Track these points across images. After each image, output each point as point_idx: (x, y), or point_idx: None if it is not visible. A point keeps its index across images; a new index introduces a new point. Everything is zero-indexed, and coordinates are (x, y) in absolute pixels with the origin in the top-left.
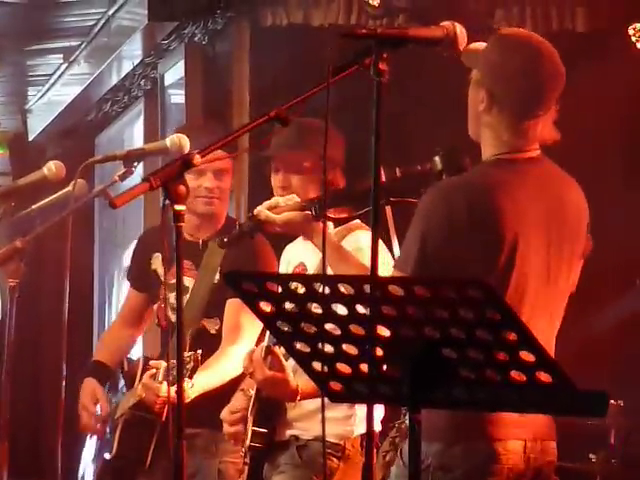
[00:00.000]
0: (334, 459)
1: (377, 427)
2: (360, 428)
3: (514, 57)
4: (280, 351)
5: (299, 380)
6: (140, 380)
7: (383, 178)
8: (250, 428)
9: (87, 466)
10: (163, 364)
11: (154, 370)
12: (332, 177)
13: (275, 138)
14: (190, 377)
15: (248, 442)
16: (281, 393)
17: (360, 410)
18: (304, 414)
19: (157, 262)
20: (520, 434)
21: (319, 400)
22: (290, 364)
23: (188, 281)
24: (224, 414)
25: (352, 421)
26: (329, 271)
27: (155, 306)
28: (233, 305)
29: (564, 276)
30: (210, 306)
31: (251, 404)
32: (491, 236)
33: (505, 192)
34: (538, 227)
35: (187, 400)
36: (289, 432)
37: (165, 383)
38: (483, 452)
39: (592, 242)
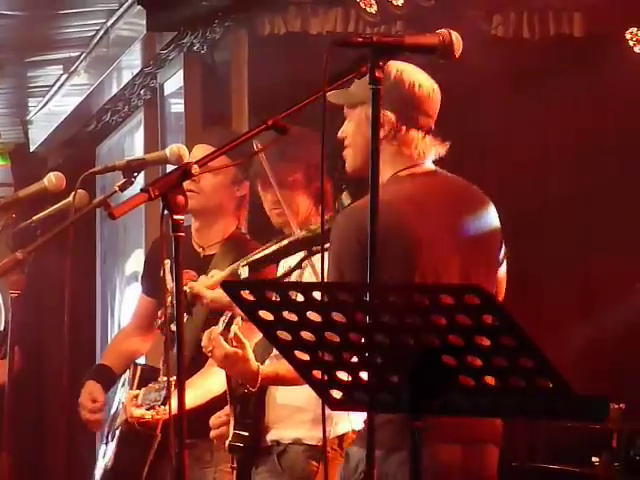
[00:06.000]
0: (314, 462)
1: (358, 426)
2: (338, 429)
3: (403, 78)
4: (239, 329)
5: (268, 366)
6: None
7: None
8: (231, 429)
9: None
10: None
11: (136, 393)
12: (318, 187)
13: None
14: (164, 404)
15: (228, 442)
16: (241, 373)
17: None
18: (282, 416)
19: (166, 269)
20: (457, 437)
21: (296, 401)
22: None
23: None
24: (211, 419)
25: (329, 422)
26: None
27: (160, 312)
28: None
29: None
30: (210, 320)
31: (230, 405)
32: (400, 249)
33: (409, 205)
34: (446, 235)
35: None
36: (269, 437)
37: (143, 408)
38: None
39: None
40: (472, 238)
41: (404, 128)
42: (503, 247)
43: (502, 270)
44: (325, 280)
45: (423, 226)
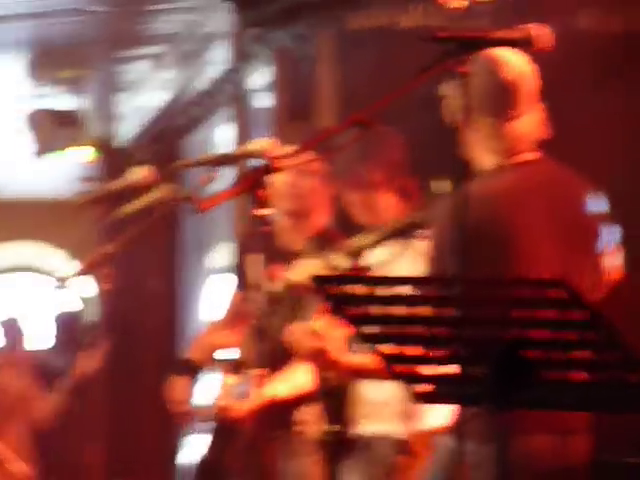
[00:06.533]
0: (401, 456)
1: (444, 421)
2: (427, 423)
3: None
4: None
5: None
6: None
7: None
8: (321, 424)
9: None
10: (232, 379)
11: (225, 385)
12: (404, 183)
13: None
14: (251, 396)
15: (318, 437)
16: (324, 366)
17: (426, 404)
18: (369, 411)
19: (252, 263)
20: (548, 428)
21: (383, 395)
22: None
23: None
24: (298, 414)
25: (418, 416)
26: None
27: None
28: None
29: (584, 272)
30: (295, 313)
31: (319, 400)
32: (498, 244)
33: (508, 199)
34: (546, 230)
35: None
36: (357, 431)
37: (232, 400)
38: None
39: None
40: (571, 229)
41: (491, 119)
42: (612, 234)
43: (610, 257)
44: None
45: (521, 220)
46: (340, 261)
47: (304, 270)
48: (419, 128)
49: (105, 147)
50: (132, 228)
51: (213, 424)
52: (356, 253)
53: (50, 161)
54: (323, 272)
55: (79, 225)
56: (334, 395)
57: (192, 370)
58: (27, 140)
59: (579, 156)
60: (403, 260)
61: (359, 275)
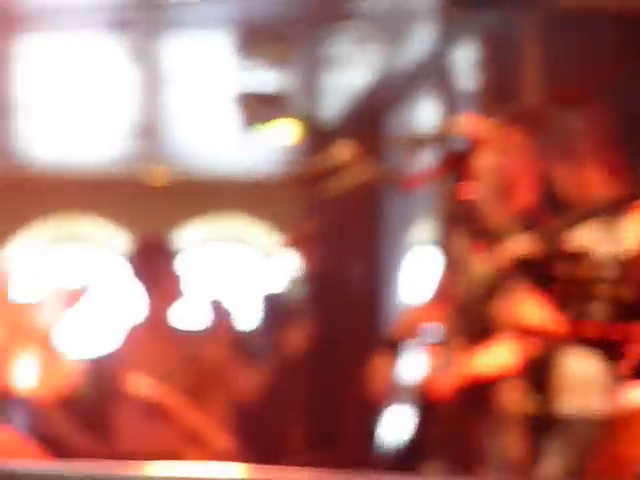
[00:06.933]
0: (602, 435)
1: None
2: (631, 400)
3: None
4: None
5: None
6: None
7: None
8: (524, 399)
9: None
10: (435, 356)
11: (427, 360)
12: (612, 159)
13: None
14: (454, 371)
15: (520, 414)
16: (527, 341)
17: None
18: (570, 387)
19: (458, 241)
20: None
21: (589, 371)
22: None
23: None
24: (501, 388)
25: (623, 393)
26: None
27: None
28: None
29: None
30: (500, 291)
31: (523, 375)
32: None
33: None
34: None
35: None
36: (558, 408)
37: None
38: None
39: None
40: None
41: None
42: None
43: None
44: None
45: None
46: (547, 241)
47: (512, 250)
48: (627, 105)
49: (309, 125)
50: (336, 206)
51: (416, 401)
52: (561, 232)
53: (256, 139)
54: (530, 252)
55: (285, 202)
56: (537, 373)
57: (395, 347)
58: (234, 118)
59: None
60: (611, 239)
61: (567, 254)
